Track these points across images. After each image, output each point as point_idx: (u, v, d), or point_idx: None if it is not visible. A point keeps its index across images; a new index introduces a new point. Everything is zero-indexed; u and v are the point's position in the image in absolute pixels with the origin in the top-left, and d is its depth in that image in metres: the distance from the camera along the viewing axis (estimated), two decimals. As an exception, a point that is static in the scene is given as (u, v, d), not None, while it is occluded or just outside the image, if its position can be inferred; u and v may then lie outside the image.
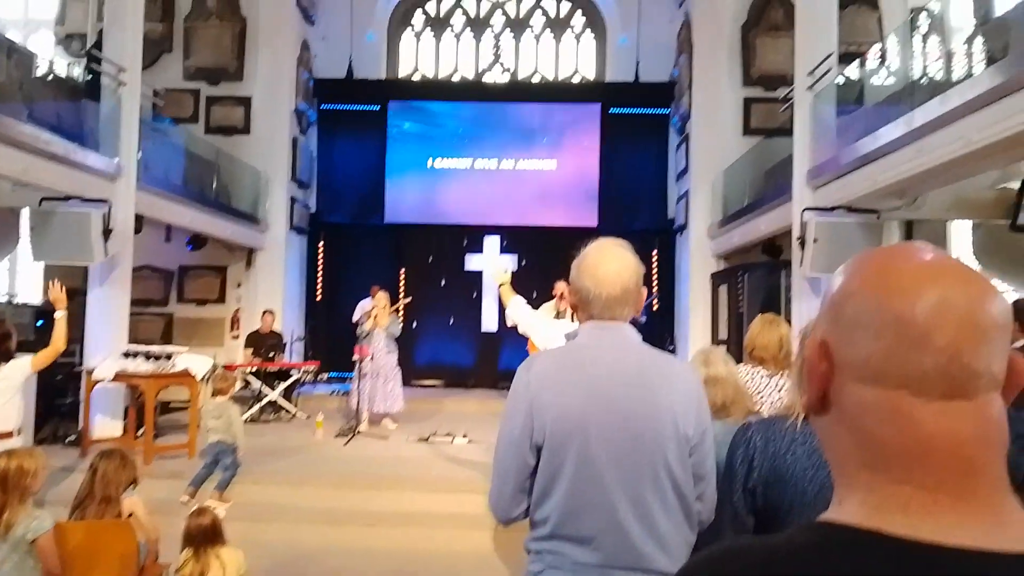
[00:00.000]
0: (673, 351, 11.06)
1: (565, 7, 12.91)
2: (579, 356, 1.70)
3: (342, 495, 5.92)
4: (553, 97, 12.45)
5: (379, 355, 8.28)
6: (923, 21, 7.21)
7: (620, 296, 1.68)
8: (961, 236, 9.51)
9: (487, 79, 12.82)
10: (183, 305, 11.03)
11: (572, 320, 7.16)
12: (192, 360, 7.19)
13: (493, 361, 11.76)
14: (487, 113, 12.20)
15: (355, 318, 8.93)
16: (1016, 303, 3.90)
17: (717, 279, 10.37)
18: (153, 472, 6.07)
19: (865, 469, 0.62)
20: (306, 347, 11.08)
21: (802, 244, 6.96)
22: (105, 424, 7.30)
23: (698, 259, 10.74)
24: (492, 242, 11.91)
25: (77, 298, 9.07)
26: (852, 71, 7.47)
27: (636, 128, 12.10)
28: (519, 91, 12.50)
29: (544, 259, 11.27)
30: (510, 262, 11.52)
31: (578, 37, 12.93)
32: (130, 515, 3.38)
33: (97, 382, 6.92)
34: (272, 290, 10.91)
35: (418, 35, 12.99)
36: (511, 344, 10.56)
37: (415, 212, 12.08)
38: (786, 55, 9.15)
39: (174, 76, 11.07)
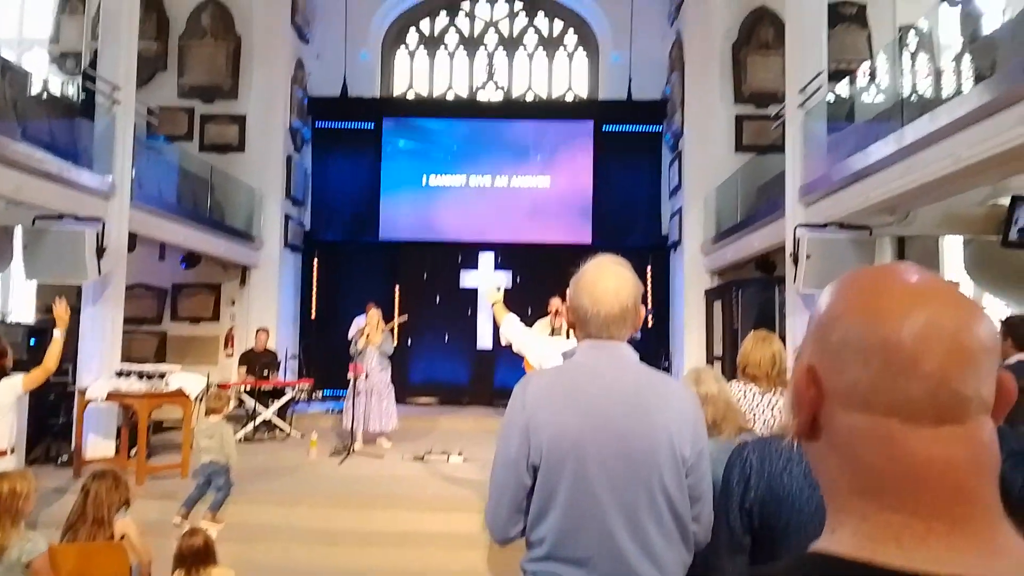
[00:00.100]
0: (668, 367, 11.06)
1: (558, 26, 13.03)
2: (576, 375, 1.69)
3: (336, 515, 5.88)
4: (546, 115, 12.54)
5: (372, 373, 8.26)
6: (912, 39, 7.30)
7: (618, 315, 1.67)
8: (953, 252, 9.56)
9: (481, 97, 12.91)
10: (177, 323, 10.99)
11: (567, 337, 7.16)
12: (185, 379, 7.15)
13: (488, 378, 11.73)
14: (481, 131, 12.26)
15: (350, 335, 8.92)
16: (1008, 320, 3.92)
17: (711, 295, 10.40)
18: (146, 492, 6.01)
19: (857, 496, 0.62)
20: (300, 365, 11.04)
21: (795, 260, 6.99)
22: (98, 444, 7.24)
23: (692, 275, 10.77)
24: (486, 259, 11.92)
25: (70, 316, 9.06)
26: (842, 89, 7.54)
27: (629, 145, 12.18)
28: (513, 109, 12.59)
29: (538, 276, 11.28)
30: (504, 279, 11.55)
31: (571, 55, 13.05)
32: (122, 537, 3.35)
33: (90, 401, 6.87)
34: (266, 308, 10.89)
35: (412, 53, 13.08)
36: (506, 361, 10.54)
37: (410, 229, 12.10)
38: (777, 73, 9.25)
39: (169, 94, 11.10)
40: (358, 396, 8.12)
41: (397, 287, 12.02)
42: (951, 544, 0.58)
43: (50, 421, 7.56)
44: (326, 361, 11.00)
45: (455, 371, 12.02)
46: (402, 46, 13.07)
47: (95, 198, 7.15)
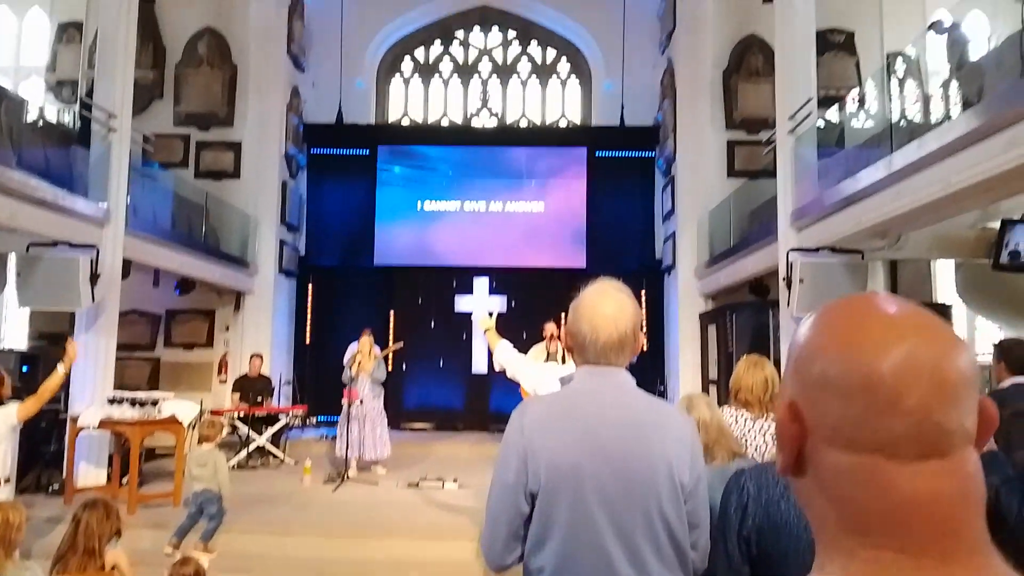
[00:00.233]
0: (663, 391, 11.05)
1: (551, 54, 13.19)
2: (574, 402, 1.68)
3: (330, 544, 5.81)
4: (540, 141, 12.64)
5: (365, 400, 8.23)
6: (900, 66, 7.41)
7: (617, 343, 1.67)
8: (945, 275, 9.62)
9: (475, 124, 13.02)
10: (170, 349, 10.93)
11: (563, 362, 7.14)
12: (178, 406, 7.11)
13: (483, 403, 11.69)
14: (475, 157, 12.35)
15: (345, 361, 8.89)
16: (1001, 343, 3.94)
17: (705, 319, 10.42)
18: (137, 521, 5.94)
19: (845, 534, 0.61)
20: (294, 391, 10.98)
21: (788, 284, 7.02)
22: (89, 472, 7.18)
23: (686, 299, 10.80)
24: (481, 284, 11.93)
25: (62, 343, 9.01)
26: (832, 115, 7.63)
27: (622, 170, 12.27)
28: (507, 135, 12.69)
29: (533, 300, 11.32)
30: (499, 303, 11.54)
31: (564, 83, 13.19)
32: (113, 568, 3.31)
33: (82, 429, 6.81)
34: (260, 334, 10.85)
35: (407, 81, 13.21)
36: (501, 386, 10.51)
37: (404, 254, 12.12)
38: (767, 99, 9.36)
39: (164, 122, 11.16)
40: (351, 422, 8.08)
41: (392, 312, 12.02)
42: None
43: (41, 449, 7.49)
44: (320, 387, 10.96)
45: (450, 396, 11.97)
46: (397, 74, 13.20)
47: (90, 225, 7.16)
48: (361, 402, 8.18)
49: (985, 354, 9.88)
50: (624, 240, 12.16)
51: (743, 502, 1.61)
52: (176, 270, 9.20)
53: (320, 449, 9.51)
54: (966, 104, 5.29)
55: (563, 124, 13.10)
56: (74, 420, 6.89)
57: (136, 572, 3.44)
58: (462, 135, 12.68)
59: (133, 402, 6.87)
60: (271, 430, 9.14)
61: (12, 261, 6.94)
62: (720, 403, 3.05)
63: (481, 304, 11.45)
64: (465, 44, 13.26)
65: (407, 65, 13.21)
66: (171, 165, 10.69)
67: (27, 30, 12.01)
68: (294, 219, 11.77)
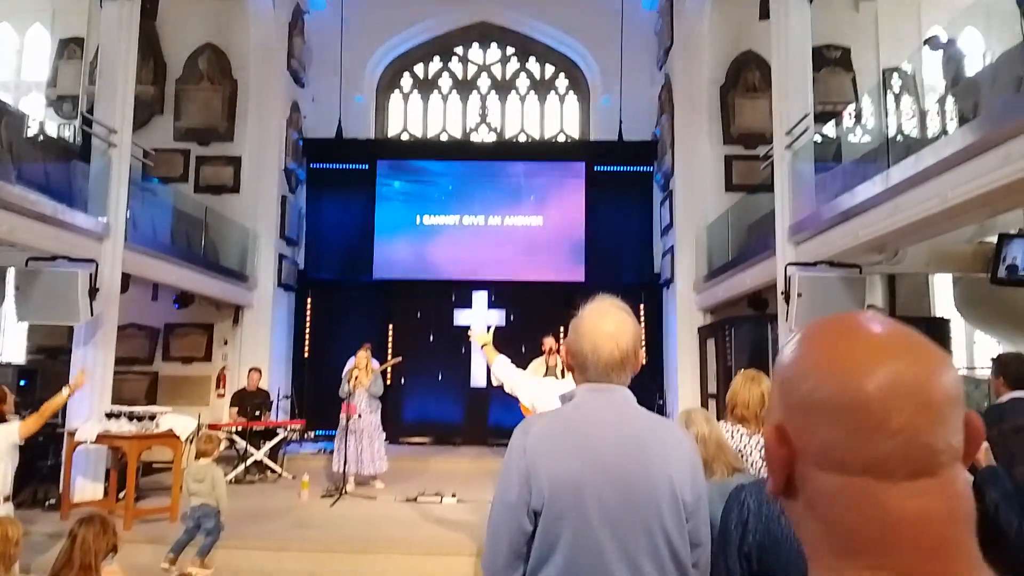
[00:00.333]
0: (662, 405, 11.03)
1: (549, 70, 13.27)
2: (577, 420, 1.67)
3: (327, 559, 5.78)
4: (539, 155, 12.69)
5: (362, 414, 8.21)
6: (896, 82, 7.47)
7: (619, 361, 1.67)
8: (943, 289, 9.64)
9: (474, 138, 13.07)
10: (168, 363, 10.91)
11: (562, 376, 7.13)
12: (176, 420, 7.09)
13: (482, 417, 11.66)
14: (474, 171, 12.39)
15: (344, 374, 8.88)
16: (1000, 358, 3.93)
17: (704, 333, 10.42)
18: (134, 536, 5.91)
19: (837, 555, 0.61)
20: (292, 405, 10.95)
21: (787, 299, 7.03)
22: (86, 487, 7.14)
23: (685, 313, 10.81)
24: (480, 297, 11.94)
25: (61, 357, 9.00)
26: (828, 130, 7.68)
27: (620, 185, 12.32)
28: (505, 150, 12.74)
29: (532, 314, 11.34)
30: (498, 317, 11.56)
31: (562, 98, 13.27)
32: (110, 584, 3.29)
33: (79, 443, 6.79)
34: (259, 347, 10.84)
35: (406, 96, 13.28)
36: (500, 400, 10.49)
37: (403, 268, 12.13)
38: (764, 114, 9.42)
39: (165, 137, 11.21)
40: (349, 436, 8.06)
41: (390, 326, 12.02)
42: None
43: (38, 463, 7.46)
44: (319, 401, 10.93)
45: (448, 410, 11.94)
46: (396, 90, 13.28)
47: (89, 239, 7.17)
48: (360, 416, 8.16)
49: (984, 368, 9.90)
50: (622, 254, 12.18)
51: (743, 518, 1.61)
52: (175, 284, 9.20)
53: (318, 463, 9.48)
54: (962, 119, 5.33)
55: (561, 139, 13.16)
56: (71, 434, 6.86)
57: (133, 588, 3.42)
58: (461, 150, 12.73)
59: (131, 416, 6.85)
60: (269, 444, 9.11)
61: (11, 275, 6.94)
62: (718, 418, 3.04)
63: (480, 318, 11.45)
64: (464, 60, 13.35)
65: (406, 81, 13.29)
66: (171, 180, 10.72)
67: (28, 46, 12.08)
68: (293, 233, 11.79)
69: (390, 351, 11.43)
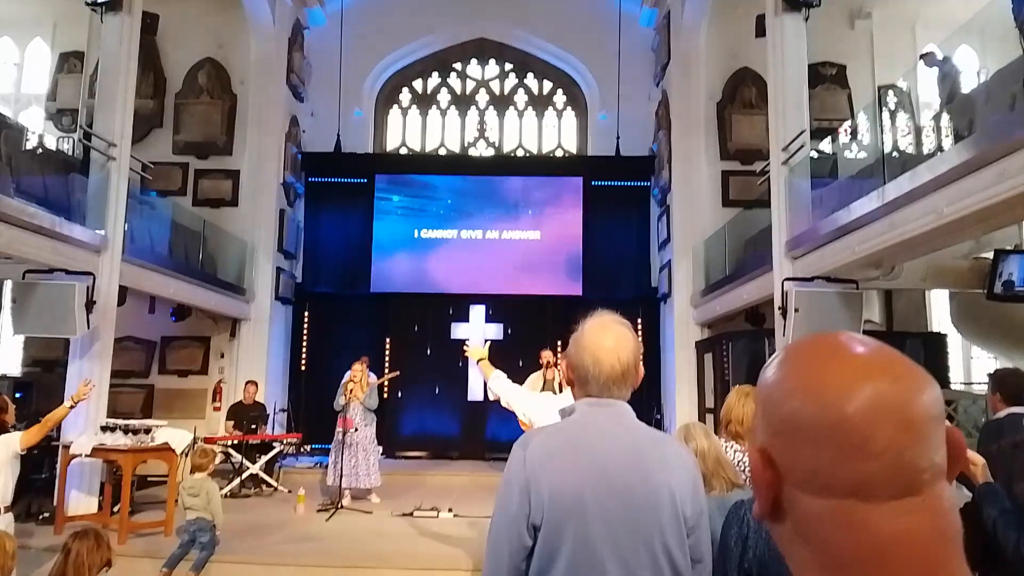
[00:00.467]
0: (660, 419, 11.01)
1: (547, 86, 13.35)
2: (577, 435, 1.67)
3: (323, 574, 5.74)
4: (536, 170, 12.73)
5: (358, 428, 8.19)
6: (891, 99, 7.52)
7: (620, 375, 1.67)
8: (940, 304, 9.67)
9: (472, 153, 13.12)
10: (165, 376, 10.88)
11: (559, 390, 7.12)
12: (171, 434, 7.06)
13: (479, 431, 11.63)
14: (472, 185, 12.43)
15: (340, 386, 8.86)
16: (996, 374, 3.95)
17: (702, 347, 10.42)
18: (129, 551, 5.88)
19: None
20: (289, 419, 10.92)
21: (784, 314, 7.05)
22: (80, 500, 7.10)
23: (682, 327, 10.82)
24: (478, 311, 11.95)
25: (57, 369, 8.97)
26: (825, 146, 7.73)
27: (618, 200, 12.36)
28: (503, 165, 12.78)
29: (530, 327, 11.35)
30: (495, 331, 11.56)
31: (560, 114, 13.34)
32: (104, 598, 3.26)
33: (74, 457, 6.75)
34: (256, 361, 10.82)
35: (405, 111, 13.34)
36: (497, 414, 10.47)
37: (401, 282, 12.13)
38: (760, 131, 9.48)
39: (164, 150, 11.24)
40: (345, 449, 8.03)
41: (388, 339, 12.00)
42: None
43: (32, 476, 7.42)
44: (315, 414, 10.89)
45: (445, 424, 11.90)
46: (395, 104, 13.34)
47: (86, 252, 7.17)
48: (356, 430, 8.14)
49: (981, 383, 9.91)
50: (620, 268, 12.21)
51: (744, 534, 1.60)
52: (172, 297, 9.19)
53: (314, 477, 9.43)
54: (957, 136, 5.38)
55: (559, 154, 13.21)
56: (66, 448, 6.83)
57: (127, 604, 3.40)
58: (459, 164, 12.77)
59: (126, 430, 6.82)
60: (265, 458, 9.07)
61: (8, 288, 6.94)
62: (715, 433, 3.03)
63: (477, 331, 11.45)
64: (463, 76, 13.42)
65: (405, 96, 13.35)
66: (169, 193, 10.74)
67: (29, 59, 12.13)
68: (291, 246, 11.80)
69: (387, 364, 11.41)
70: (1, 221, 5.98)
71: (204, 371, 10.94)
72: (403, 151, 13.18)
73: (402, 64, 13.10)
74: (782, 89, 7.77)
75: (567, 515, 1.55)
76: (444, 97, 13.38)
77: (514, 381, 3.78)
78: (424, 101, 13.35)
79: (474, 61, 13.41)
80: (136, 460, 6.73)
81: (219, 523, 5.58)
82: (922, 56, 6.88)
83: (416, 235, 12.29)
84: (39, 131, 9.23)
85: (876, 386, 0.60)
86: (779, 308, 7.17)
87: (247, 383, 9.71)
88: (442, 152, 13.16)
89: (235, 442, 8.96)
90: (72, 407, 4.87)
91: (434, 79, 13.38)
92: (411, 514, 7.50)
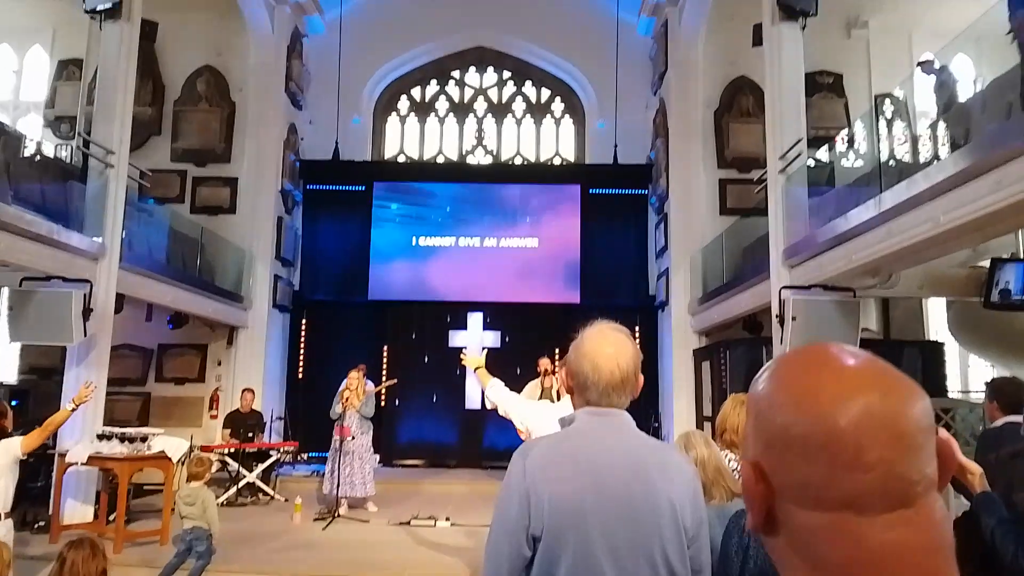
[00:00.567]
0: (658, 428, 11.00)
1: (545, 94, 13.39)
2: (577, 444, 1.66)
3: (320, 583, 5.72)
4: (534, 178, 12.75)
5: (355, 436, 8.17)
6: (888, 108, 7.55)
7: (620, 382, 1.67)
8: (937, 313, 9.68)
9: (470, 161, 13.13)
10: (161, 384, 10.85)
11: (557, 398, 7.11)
12: (168, 442, 7.04)
13: (477, 439, 11.61)
14: (470, 193, 12.44)
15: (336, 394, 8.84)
16: (993, 382, 3.95)
17: (700, 355, 10.42)
18: (124, 560, 5.85)
19: None
20: (286, 427, 10.89)
21: (781, 322, 7.05)
22: (76, 509, 7.06)
23: (680, 335, 10.82)
24: (475, 319, 11.94)
25: (53, 377, 8.93)
26: (822, 155, 7.75)
27: (615, 208, 12.38)
28: (501, 172, 12.80)
29: (527, 335, 11.36)
30: (493, 339, 11.55)
31: (558, 122, 13.37)
32: (99, 608, 3.24)
33: (70, 465, 6.73)
34: (253, 368, 10.79)
35: (403, 119, 13.37)
36: (495, 422, 10.45)
37: (399, 289, 12.13)
38: (758, 139, 9.50)
39: (162, 157, 11.24)
40: (342, 458, 8.01)
41: (385, 347, 11.98)
42: None
43: (28, 485, 7.38)
44: (312, 423, 10.86)
45: (443, 432, 11.87)
46: (393, 112, 13.36)
47: (84, 260, 7.16)
48: (353, 438, 8.12)
49: (978, 391, 9.91)
50: (618, 276, 12.22)
51: (744, 543, 1.60)
52: (170, 304, 9.18)
53: (311, 486, 9.40)
54: (954, 145, 5.39)
55: (557, 162, 13.24)
56: (62, 456, 6.80)
57: (122, 613, 3.38)
58: (457, 172, 12.79)
59: (122, 438, 6.80)
60: (261, 467, 9.04)
61: (4, 295, 6.92)
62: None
63: (475, 339, 11.45)
64: (461, 84, 13.45)
65: (403, 104, 13.38)
66: (167, 200, 10.74)
67: (27, 67, 12.15)
68: (289, 254, 11.80)
69: (385, 372, 11.39)
70: (-1, 228, 5.98)
71: (201, 379, 10.92)
72: (401, 159, 13.20)
73: (400, 72, 13.14)
74: (779, 98, 7.79)
75: (567, 526, 1.54)
76: (442, 105, 13.41)
77: (512, 389, 3.77)
78: (422, 109, 13.38)
79: (472, 69, 13.44)
80: (132, 468, 6.71)
81: (215, 532, 5.56)
82: (920, 63, 6.89)
83: (414, 242, 12.29)
84: (37, 138, 9.23)
85: (867, 399, 0.60)
86: (777, 316, 7.17)
87: (244, 391, 9.69)
88: (440, 160, 13.18)
89: (232, 450, 8.93)
90: (74, 409, 4.85)
91: (432, 87, 13.42)
92: (408, 523, 7.47)
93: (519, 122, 13.37)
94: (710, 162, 11.23)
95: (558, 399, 6.84)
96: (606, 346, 1.69)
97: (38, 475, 7.45)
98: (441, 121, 13.37)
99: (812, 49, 8.58)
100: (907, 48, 10.92)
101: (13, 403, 7.81)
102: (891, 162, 6.41)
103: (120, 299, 7.72)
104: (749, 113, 11.04)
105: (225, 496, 8.45)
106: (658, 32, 11.96)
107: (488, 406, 3.95)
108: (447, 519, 7.54)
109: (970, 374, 10.76)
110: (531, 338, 11.17)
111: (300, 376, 11.94)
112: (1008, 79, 5.01)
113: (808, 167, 7.53)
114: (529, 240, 12.32)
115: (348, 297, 12.14)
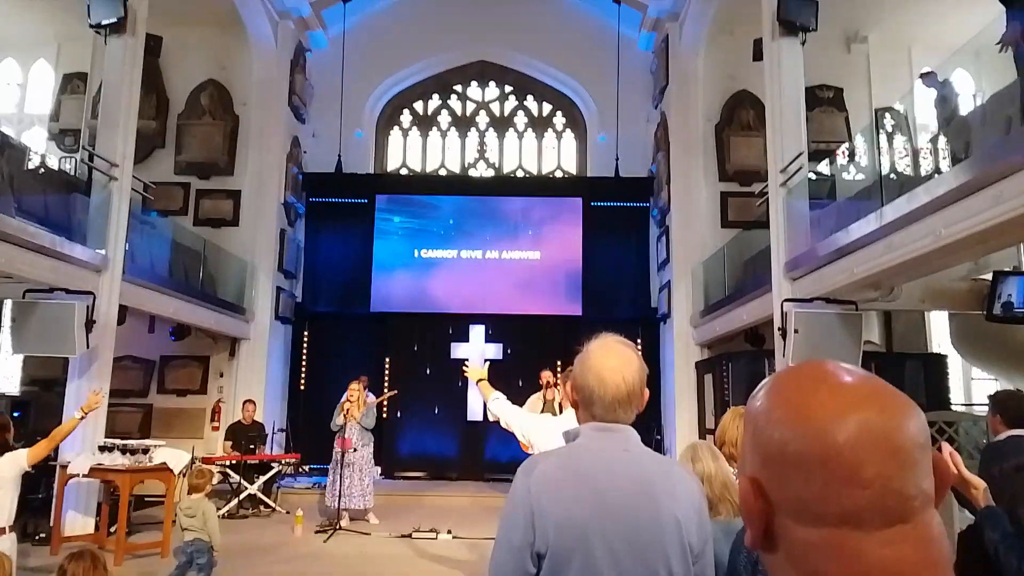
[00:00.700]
0: (660, 440, 10.97)
1: (547, 108, 13.46)
2: (582, 460, 1.64)
3: (321, 597, 5.70)
4: (536, 191, 12.79)
5: (356, 448, 8.15)
6: (888, 121, 7.58)
7: (626, 396, 1.66)
8: (939, 326, 9.66)
9: (472, 174, 13.18)
10: (163, 396, 10.85)
11: (559, 411, 7.10)
12: (169, 454, 7.03)
13: (478, 452, 11.58)
14: (472, 206, 12.48)
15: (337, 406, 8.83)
16: (996, 396, 3.94)
17: (702, 368, 10.41)
18: (125, 572, 5.83)
19: None
20: (287, 439, 10.87)
21: (783, 335, 7.05)
22: (77, 521, 7.05)
23: (682, 348, 10.81)
24: (477, 331, 11.95)
25: (55, 389, 8.94)
26: (823, 168, 7.77)
27: (617, 220, 12.41)
28: (503, 185, 12.85)
29: (529, 347, 11.35)
30: (495, 351, 11.54)
31: (559, 135, 13.43)
32: (100, 621, 3.23)
33: (71, 476, 6.72)
34: (255, 380, 10.79)
35: (405, 132, 13.43)
36: (497, 434, 10.44)
37: (401, 301, 12.14)
38: (759, 152, 9.54)
39: (165, 170, 11.30)
40: (343, 469, 7.99)
41: (387, 359, 11.98)
42: None
43: (29, 496, 7.36)
44: (314, 435, 10.83)
45: (445, 444, 11.85)
46: (396, 126, 13.43)
47: (87, 272, 7.18)
48: (355, 450, 8.10)
49: (981, 404, 9.88)
50: (619, 289, 12.23)
51: (753, 558, 1.58)
52: (172, 316, 9.19)
53: (312, 498, 9.38)
54: (955, 159, 5.41)
55: (559, 175, 13.29)
56: (64, 467, 6.79)
57: (123, 626, 3.37)
58: (459, 185, 12.82)
59: (124, 449, 6.79)
60: (263, 479, 9.02)
61: (7, 307, 6.93)
62: (716, 453, 3.01)
63: (477, 351, 11.44)
64: (463, 98, 13.53)
65: (406, 117, 13.45)
66: (170, 212, 10.78)
67: (32, 80, 12.22)
68: (291, 266, 11.82)
69: (386, 384, 11.38)
70: (2, 240, 5.99)
71: (203, 390, 10.92)
72: (403, 172, 13.25)
73: (403, 86, 13.22)
74: (780, 111, 7.83)
75: (572, 544, 1.53)
76: (444, 118, 13.48)
77: (514, 402, 3.77)
78: (425, 122, 13.45)
79: (474, 83, 13.52)
80: (134, 480, 6.70)
81: (216, 544, 5.53)
82: (922, 75, 6.92)
83: (416, 255, 12.31)
84: (41, 151, 9.29)
85: (864, 416, 0.61)
86: (779, 329, 7.17)
87: (245, 402, 9.68)
88: (442, 173, 13.23)
89: (233, 462, 8.91)
90: (82, 418, 4.84)
91: (435, 101, 13.49)
92: (410, 535, 7.45)
93: (521, 135, 13.43)
94: (711, 175, 11.27)
95: (560, 412, 6.83)
96: (612, 360, 1.67)
97: (39, 487, 7.43)
98: (443, 134, 13.43)
99: (812, 63, 8.63)
100: (907, 62, 10.98)
101: (15, 415, 7.81)
102: (892, 175, 6.43)
103: (122, 311, 7.73)
104: (750, 127, 11.09)
105: (226, 508, 8.42)
106: (659, 47, 12.03)
107: (490, 418, 3.95)
108: (449, 532, 7.51)
109: (973, 387, 10.75)
110: (533, 350, 11.16)
111: (302, 388, 11.94)
112: (1007, 93, 5.04)
113: (809, 180, 7.55)
114: (531, 253, 12.34)
115: (350, 309, 12.16)
